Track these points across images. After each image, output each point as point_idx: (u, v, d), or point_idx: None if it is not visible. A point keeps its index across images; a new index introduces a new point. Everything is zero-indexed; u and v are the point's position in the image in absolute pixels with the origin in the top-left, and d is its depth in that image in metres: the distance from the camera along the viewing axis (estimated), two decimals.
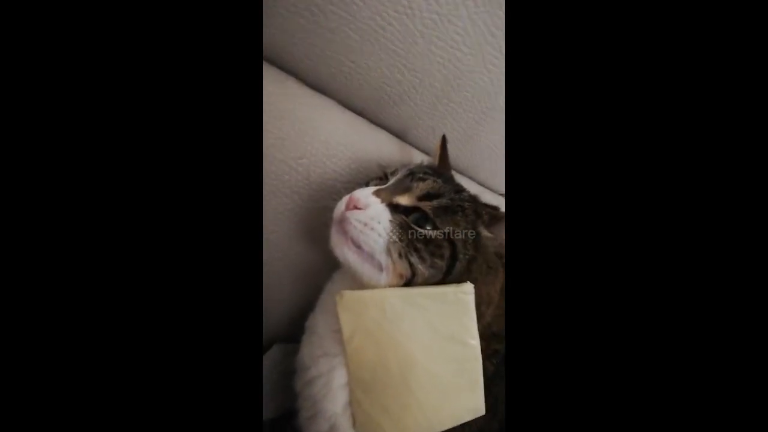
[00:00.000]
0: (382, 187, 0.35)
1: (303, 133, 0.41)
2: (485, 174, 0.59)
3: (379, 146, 0.47)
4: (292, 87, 0.42)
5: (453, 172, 0.50)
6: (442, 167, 0.43)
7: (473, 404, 0.35)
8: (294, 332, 0.44)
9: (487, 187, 0.62)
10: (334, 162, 0.43)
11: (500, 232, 0.36)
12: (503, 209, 0.38)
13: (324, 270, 0.44)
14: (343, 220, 0.33)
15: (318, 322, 0.41)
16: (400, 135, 0.51)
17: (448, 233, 0.33)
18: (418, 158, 0.51)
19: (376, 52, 0.41)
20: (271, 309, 0.46)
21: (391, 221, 0.33)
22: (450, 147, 0.53)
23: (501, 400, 0.38)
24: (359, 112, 0.47)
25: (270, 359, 0.45)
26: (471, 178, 0.60)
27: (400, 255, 0.32)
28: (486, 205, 0.37)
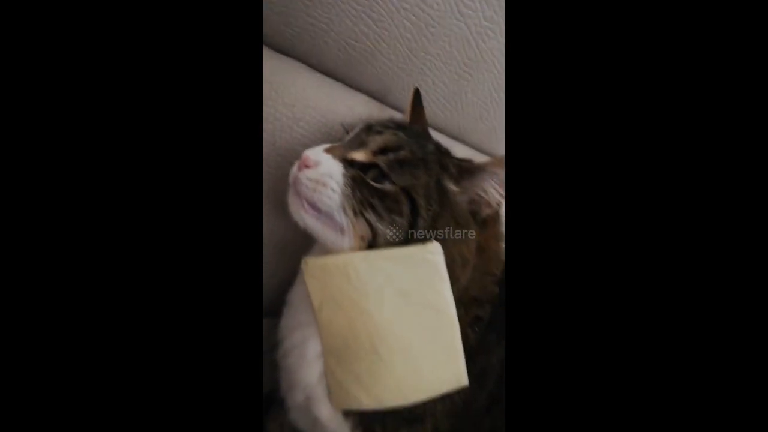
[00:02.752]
0: (336, 144, 0.32)
1: (266, 97, 0.39)
2: (478, 135, 0.55)
3: (353, 109, 0.44)
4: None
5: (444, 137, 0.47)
6: (414, 122, 0.40)
7: (453, 374, 0.33)
8: (280, 307, 0.43)
9: (482, 151, 0.58)
10: (302, 126, 0.40)
11: (472, 186, 0.32)
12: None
13: (304, 241, 0.42)
14: (295, 182, 0.31)
15: (295, 293, 0.40)
16: (379, 97, 0.48)
17: (407, 187, 0.30)
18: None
19: (336, 3, 0.38)
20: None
21: (344, 176, 0.30)
22: (435, 107, 0.50)
23: (489, 370, 0.35)
24: (330, 74, 0.45)
25: None
26: (464, 141, 0.56)
27: (355, 213, 0.30)
28: (454, 158, 0.34)
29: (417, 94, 0.40)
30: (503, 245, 0.37)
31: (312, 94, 0.42)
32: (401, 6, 0.38)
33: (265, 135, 0.39)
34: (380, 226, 0.30)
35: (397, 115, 0.49)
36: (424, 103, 0.44)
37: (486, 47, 0.44)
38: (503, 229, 0.37)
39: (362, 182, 0.30)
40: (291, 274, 0.43)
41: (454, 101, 0.49)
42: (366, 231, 0.30)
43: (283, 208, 0.42)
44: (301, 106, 0.41)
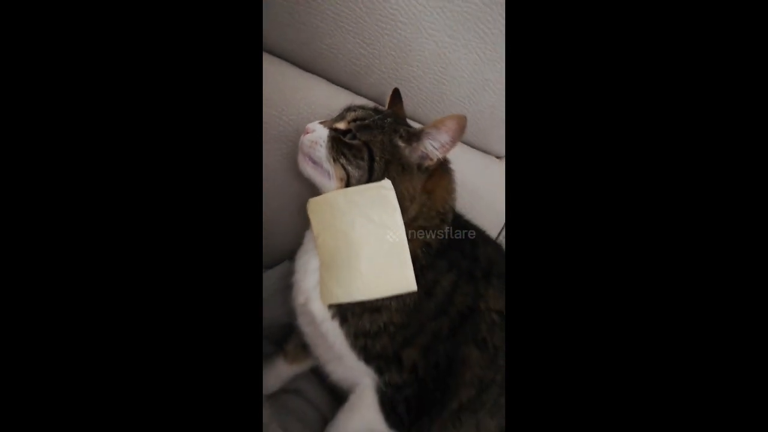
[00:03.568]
0: (326, 119, 0.49)
1: (294, 100, 0.57)
2: (470, 137, 0.68)
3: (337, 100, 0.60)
4: (286, 69, 0.58)
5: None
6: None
7: (404, 280, 0.45)
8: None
9: (468, 143, 0.70)
10: (317, 118, 0.58)
11: (418, 145, 0.46)
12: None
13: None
14: (301, 144, 0.47)
15: (306, 234, 0.55)
16: (379, 101, 0.64)
17: (366, 141, 0.45)
18: None
19: (340, 34, 0.55)
20: (275, 234, 0.61)
21: (329, 137, 0.46)
22: (418, 109, 0.64)
23: (438, 287, 0.46)
24: (342, 85, 0.62)
25: (278, 272, 0.60)
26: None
27: (334, 160, 0.45)
28: (406, 126, 0.48)
29: (395, 92, 0.55)
30: (453, 194, 0.49)
31: (325, 97, 0.59)
32: (384, 32, 0.54)
33: (291, 123, 0.57)
34: (350, 168, 0.45)
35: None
36: (413, 103, 0.59)
37: (454, 57, 0.59)
38: (452, 182, 0.50)
39: (340, 141, 0.46)
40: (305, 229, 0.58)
41: (436, 103, 0.63)
42: (342, 174, 0.45)
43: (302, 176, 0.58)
44: (317, 105, 0.58)
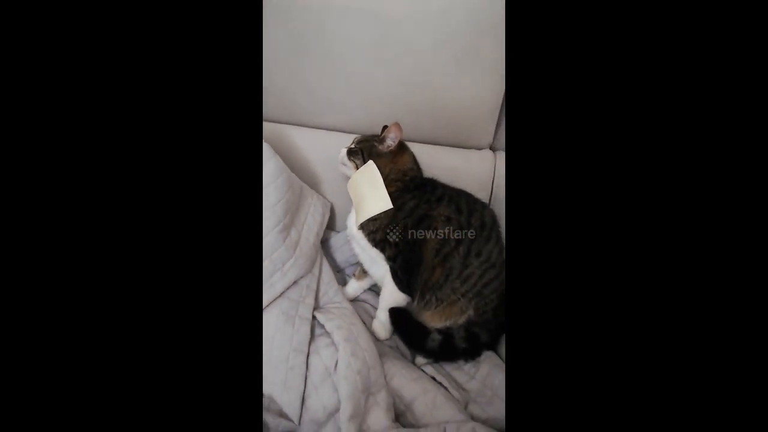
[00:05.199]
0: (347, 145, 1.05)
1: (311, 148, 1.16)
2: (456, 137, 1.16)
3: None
4: (302, 130, 1.18)
5: None
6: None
7: (384, 203, 0.92)
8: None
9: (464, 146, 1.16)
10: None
11: (384, 143, 0.97)
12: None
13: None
14: (339, 161, 1.04)
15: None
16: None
17: (360, 147, 0.98)
18: None
19: (343, 87, 1.14)
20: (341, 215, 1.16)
21: (346, 151, 1.01)
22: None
23: (406, 205, 0.93)
24: (349, 131, 1.18)
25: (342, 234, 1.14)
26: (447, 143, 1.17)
27: (349, 158, 0.99)
28: (378, 137, 1.00)
29: (384, 126, 1.09)
30: (409, 162, 0.98)
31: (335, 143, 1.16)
32: (379, 77, 1.11)
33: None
34: (357, 162, 0.98)
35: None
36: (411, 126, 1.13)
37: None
38: (410, 155, 0.99)
39: (350, 150, 1.00)
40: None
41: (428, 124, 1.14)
42: (353, 165, 0.99)
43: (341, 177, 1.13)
44: (333, 146, 1.15)
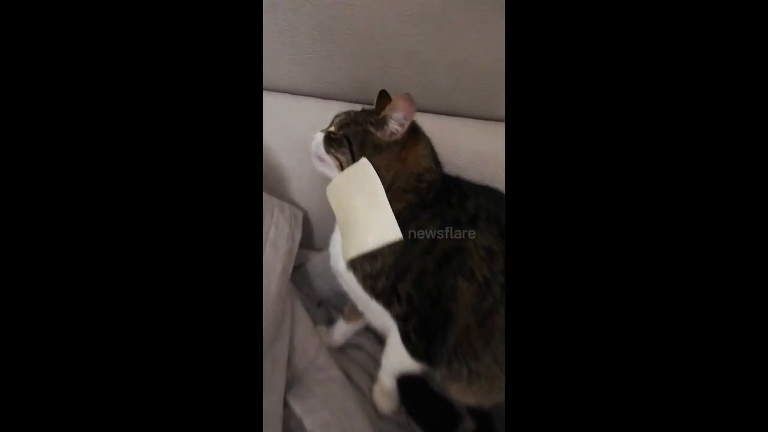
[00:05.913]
0: (324, 128, 0.66)
1: (308, 120, 0.77)
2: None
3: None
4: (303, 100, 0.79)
5: None
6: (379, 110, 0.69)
7: (389, 231, 0.56)
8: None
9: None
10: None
11: (387, 127, 0.59)
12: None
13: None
14: (311, 148, 0.65)
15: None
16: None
17: (345, 134, 0.60)
18: None
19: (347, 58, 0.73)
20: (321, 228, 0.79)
21: (324, 138, 0.62)
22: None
23: (420, 236, 0.57)
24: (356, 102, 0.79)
25: (325, 254, 0.79)
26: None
27: (328, 151, 0.61)
28: (374, 116, 0.61)
29: (381, 93, 0.69)
30: (426, 158, 0.60)
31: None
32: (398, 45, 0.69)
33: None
34: (339, 156, 0.60)
35: None
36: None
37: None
38: (426, 147, 0.61)
39: (329, 138, 0.62)
40: None
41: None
42: (336, 162, 0.61)
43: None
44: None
